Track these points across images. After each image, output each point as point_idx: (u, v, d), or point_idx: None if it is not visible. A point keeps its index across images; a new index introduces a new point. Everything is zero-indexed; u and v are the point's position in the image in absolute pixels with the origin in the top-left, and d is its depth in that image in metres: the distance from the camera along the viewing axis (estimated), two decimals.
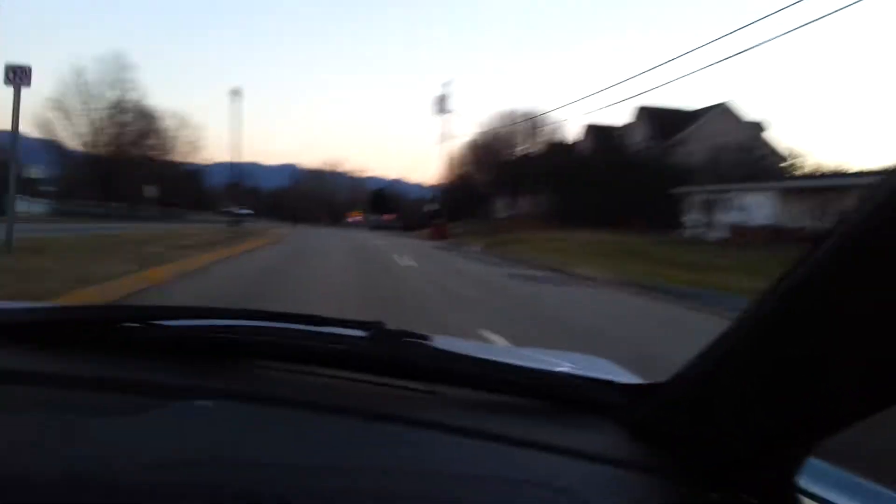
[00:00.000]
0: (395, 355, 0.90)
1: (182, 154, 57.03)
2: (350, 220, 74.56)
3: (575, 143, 46.91)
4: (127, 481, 0.58)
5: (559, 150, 44.77)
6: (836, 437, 0.62)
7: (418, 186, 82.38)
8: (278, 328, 0.95)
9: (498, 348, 1.55)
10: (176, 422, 0.71)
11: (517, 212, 44.96)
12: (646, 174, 33.05)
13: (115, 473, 0.59)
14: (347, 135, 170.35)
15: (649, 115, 39.73)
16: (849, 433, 0.61)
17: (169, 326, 0.96)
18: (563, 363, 1.24)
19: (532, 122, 47.70)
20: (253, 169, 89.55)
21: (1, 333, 0.93)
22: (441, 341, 0.97)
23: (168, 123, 55.48)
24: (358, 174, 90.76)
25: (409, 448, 0.72)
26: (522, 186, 44.78)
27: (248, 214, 54.22)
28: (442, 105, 48.69)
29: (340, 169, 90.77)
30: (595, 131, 43.87)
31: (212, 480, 0.61)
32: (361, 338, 0.90)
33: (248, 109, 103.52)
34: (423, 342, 0.92)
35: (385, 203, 78.33)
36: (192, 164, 64.61)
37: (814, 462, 0.73)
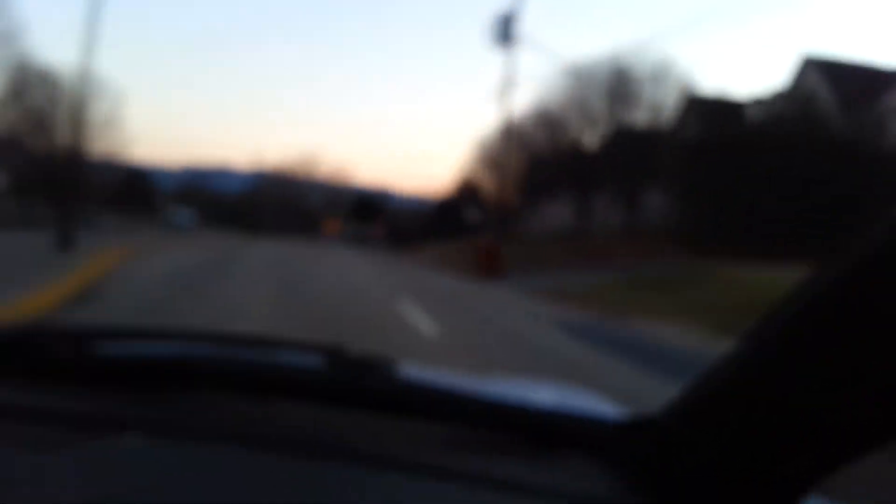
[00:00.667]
0: (357, 384, 0.82)
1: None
2: (327, 233, 56.60)
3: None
4: None
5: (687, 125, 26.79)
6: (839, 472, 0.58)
7: (415, 200, 67.25)
8: (225, 353, 0.90)
9: (470, 378, 1.24)
10: (102, 459, 0.65)
11: (583, 223, 29.00)
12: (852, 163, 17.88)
13: None
14: (327, 135, 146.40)
15: (828, 73, 23.84)
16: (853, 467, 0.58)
17: (102, 349, 0.89)
18: (545, 394, 1.16)
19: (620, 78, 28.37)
20: (219, 174, 74.95)
21: None
22: (408, 369, 0.92)
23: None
24: (338, 180, 71.90)
25: (373, 491, 0.66)
26: (600, 183, 28.31)
27: (184, 223, 45.75)
28: (507, 29, 25.93)
29: (316, 173, 73.27)
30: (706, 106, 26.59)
31: None
32: (319, 364, 0.86)
33: (210, 103, 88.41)
34: (389, 369, 0.88)
35: (371, 212, 62.60)
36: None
37: (816, 501, 0.67)
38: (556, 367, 6.78)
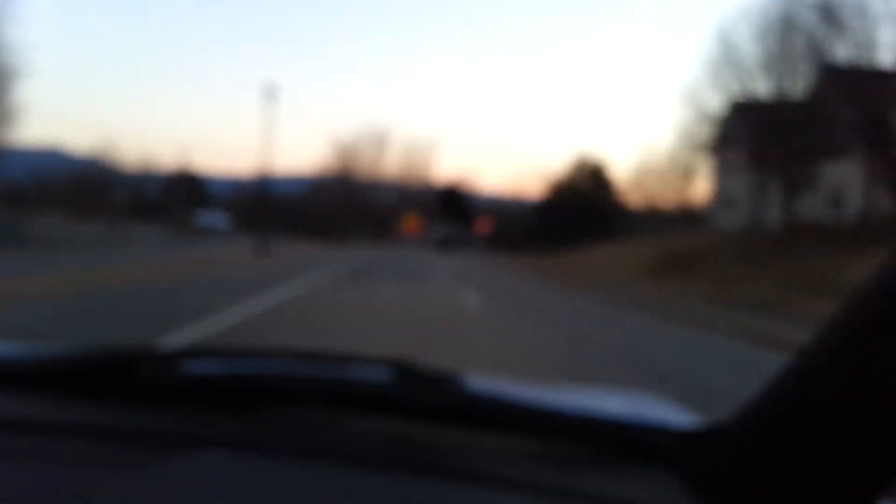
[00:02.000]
0: (426, 398, 0.83)
1: None
2: (405, 232, 44.05)
3: None
4: None
5: None
6: None
7: (503, 199, 57.96)
8: (300, 370, 0.91)
9: (539, 388, 1.46)
10: (185, 477, 0.67)
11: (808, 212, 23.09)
12: None
13: None
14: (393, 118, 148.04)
15: None
16: None
17: (186, 369, 0.90)
18: (612, 402, 1.16)
19: None
20: (286, 180, 68.01)
21: (15, 380, 0.92)
22: (476, 380, 0.92)
23: None
24: (410, 176, 60.00)
25: (445, 502, 0.67)
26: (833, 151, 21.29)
27: (215, 226, 46.10)
28: None
29: (382, 169, 62.05)
30: None
31: None
32: (391, 378, 0.86)
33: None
34: (457, 382, 0.87)
35: (461, 209, 50.92)
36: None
37: None
38: None
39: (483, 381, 0.98)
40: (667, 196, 38.06)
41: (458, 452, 0.79)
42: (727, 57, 25.89)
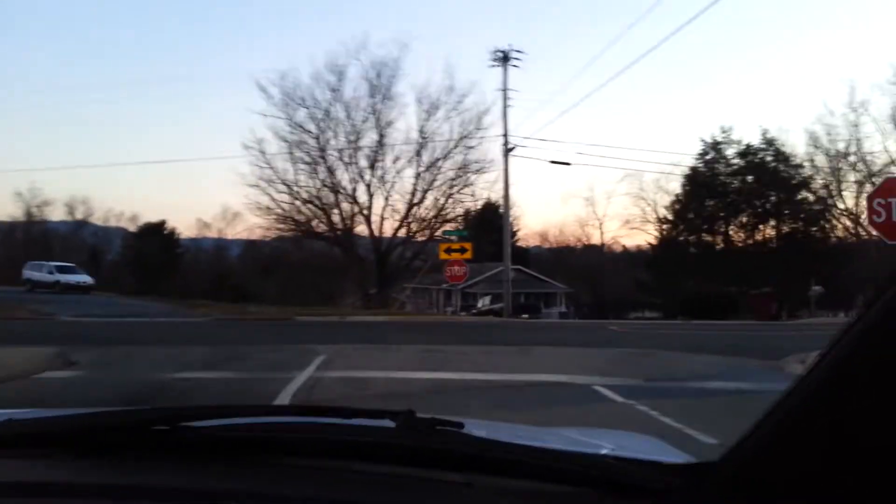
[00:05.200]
0: (427, 445, 0.85)
1: None
2: (450, 274, 24.17)
3: None
4: None
5: None
6: None
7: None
8: (306, 423, 0.93)
9: (535, 430, 1.32)
10: None
11: None
12: None
13: None
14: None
15: None
16: None
17: (198, 428, 0.92)
18: (606, 443, 1.15)
19: None
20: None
21: (32, 443, 0.93)
22: (475, 427, 0.92)
23: None
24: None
25: None
26: None
27: (74, 279, 31.44)
28: None
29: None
30: None
31: None
32: (392, 428, 0.87)
33: None
34: (456, 430, 0.88)
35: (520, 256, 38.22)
36: None
37: None
38: None
39: (480, 427, 1.01)
40: None
41: (457, 497, 0.81)
42: None
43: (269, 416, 0.97)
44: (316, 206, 30.48)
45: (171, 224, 54.42)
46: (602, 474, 0.84)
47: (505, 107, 25.46)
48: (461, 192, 29.84)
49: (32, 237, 56.21)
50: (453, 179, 29.57)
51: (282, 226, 30.78)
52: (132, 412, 0.99)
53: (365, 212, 30.65)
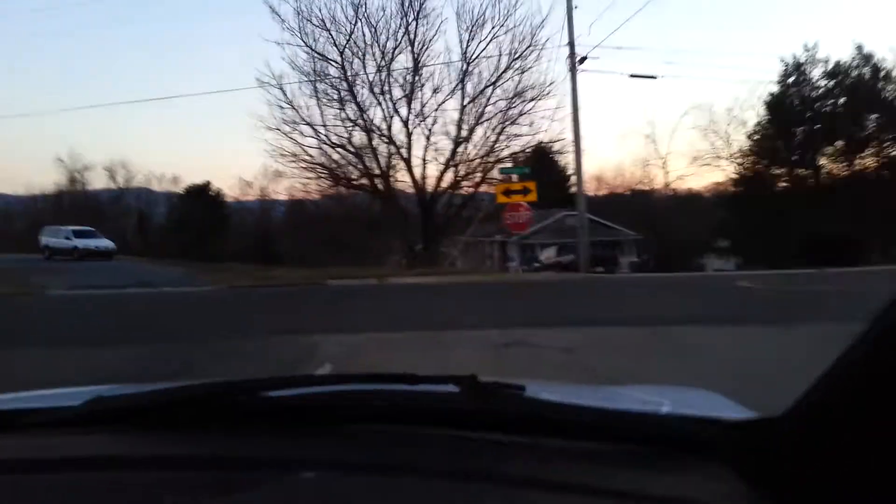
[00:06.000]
0: (489, 408, 0.87)
1: None
2: (511, 221, 19.07)
3: None
4: None
5: None
6: None
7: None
8: (374, 390, 0.95)
9: (594, 390, 1.33)
10: (281, 495, 0.72)
11: None
12: None
13: None
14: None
15: None
16: None
17: (273, 397, 0.96)
18: (665, 400, 1.13)
19: None
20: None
21: (117, 418, 0.96)
22: (536, 389, 0.94)
23: None
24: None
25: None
26: None
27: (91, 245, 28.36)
28: None
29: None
30: None
31: None
32: (455, 393, 0.89)
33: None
34: (517, 392, 0.90)
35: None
36: None
37: None
38: None
39: (541, 389, 1.02)
40: None
41: (521, 458, 0.81)
42: None
43: (338, 384, 0.98)
44: (347, 150, 25.32)
45: (215, 185, 51.34)
46: (662, 432, 0.84)
47: (570, 7, 19.43)
48: (516, 123, 24.53)
49: (78, 204, 54.53)
50: (505, 110, 24.44)
51: (310, 175, 26.12)
52: (210, 385, 0.99)
53: (403, 153, 25.48)
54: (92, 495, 0.73)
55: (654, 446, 0.82)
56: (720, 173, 45.06)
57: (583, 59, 19.44)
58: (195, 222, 47.01)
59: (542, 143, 25.18)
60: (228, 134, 70.56)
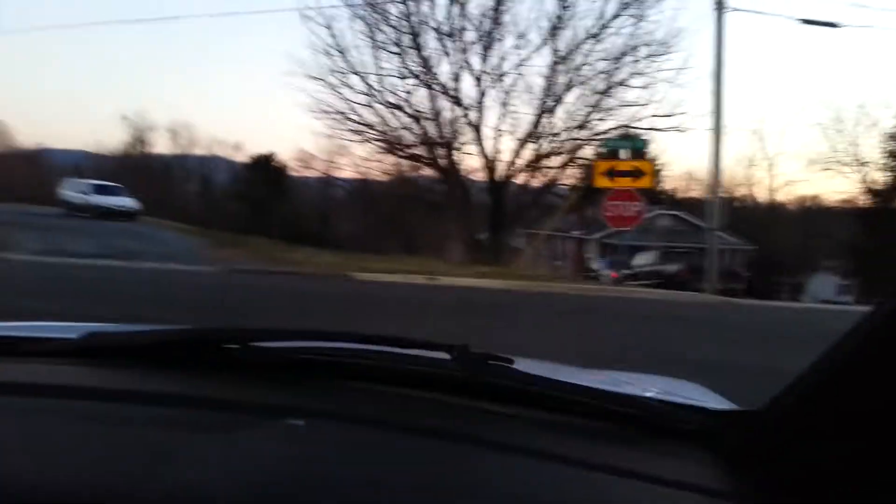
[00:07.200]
0: (477, 378, 0.89)
1: None
2: (614, 214, 13.69)
3: None
4: (222, 499, 0.60)
5: None
6: None
7: None
8: (367, 350, 0.96)
9: (582, 371, 1.27)
10: (269, 440, 0.73)
11: None
12: None
13: (211, 491, 0.60)
14: None
15: None
16: None
17: (266, 348, 0.97)
18: (651, 387, 1.13)
19: None
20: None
21: (113, 355, 0.98)
22: (525, 364, 0.94)
23: None
24: None
25: (490, 471, 0.71)
26: None
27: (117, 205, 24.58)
28: None
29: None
30: None
31: (305, 498, 0.62)
32: (446, 360, 0.89)
33: None
34: (507, 364, 0.90)
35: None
36: None
37: None
38: None
39: (531, 364, 1.01)
40: None
41: (505, 427, 0.82)
42: None
43: (333, 341, 0.97)
44: (404, 111, 19.38)
45: (279, 157, 47.89)
46: (647, 415, 0.85)
47: None
48: (625, 86, 18.40)
49: (141, 165, 52.46)
50: (610, 71, 18.41)
51: (356, 137, 20.37)
52: (205, 330, 1.03)
53: (473, 117, 19.32)
54: (94, 424, 0.74)
55: (638, 427, 0.83)
56: (843, 181, 38.47)
57: None
58: (258, 194, 43.98)
59: (657, 115, 18.70)
60: (291, 104, 67.80)
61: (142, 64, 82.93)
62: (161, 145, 55.61)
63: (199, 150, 54.61)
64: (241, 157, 50.96)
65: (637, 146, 14.66)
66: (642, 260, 23.53)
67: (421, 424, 0.79)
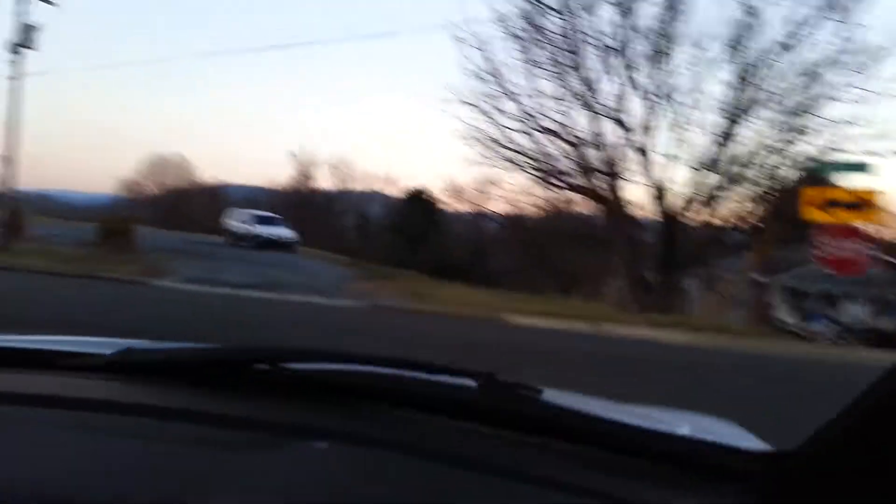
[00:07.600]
0: (506, 406, 0.87)
1: None
2: (833, 257, 11.05)
3: None
4: None
5: None
6: None
7: None
8: (394, 374, 0.95)
9: (615, 406, 1.19)
10: (291, 461, 0.73)
11: None
12: None
13: None
14: None
15: None
16: None
17: (295, 369, 0.97)
18: (684, 424, 1.11)
19: None
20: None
21: (146, 371, 1.00)
22: (554, 395, 0.93)
23: None
24: None
25: (514, 502, 0.69)
26: None
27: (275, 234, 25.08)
28: None
29: None
30: None
31: None
32: (473, 387, 0.88)
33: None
34: (536, 395, 0.88)
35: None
36: None
37: None
38: None
39: (559, 396, 0.99)
40: None
41: (532, 458, 0.81)
42: None
43: (361, 364, 0.98)
44: (561, 137, 17.36)
45: (431, 191, 48.34)
46: (681, 452, 0.83)
47: None
48: (831, 99, 15.24)
49: (306, 199, 55.14)
50: (807, 86, 15.36)
51: (509, 165, 18.29)
52: (236, 350, 1.05)
53: (639, 144, 16.78)
54: (123, 439, 0.76)
55: (671, 465, 0.80)
56: None
57: None
58: (412, 228, 44.32)
59: (869, 136, 15.51)
60: (443, 138, 68.73)
61: (304, 95, 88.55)
62: (324, 180, 58.41)
63: (357, 185, 56.61)
64: (396, 191, 52.14)
65: (860, 167, 11.69)
66: (851, 312, 19.48)
67: (445, 451, 0.79)
